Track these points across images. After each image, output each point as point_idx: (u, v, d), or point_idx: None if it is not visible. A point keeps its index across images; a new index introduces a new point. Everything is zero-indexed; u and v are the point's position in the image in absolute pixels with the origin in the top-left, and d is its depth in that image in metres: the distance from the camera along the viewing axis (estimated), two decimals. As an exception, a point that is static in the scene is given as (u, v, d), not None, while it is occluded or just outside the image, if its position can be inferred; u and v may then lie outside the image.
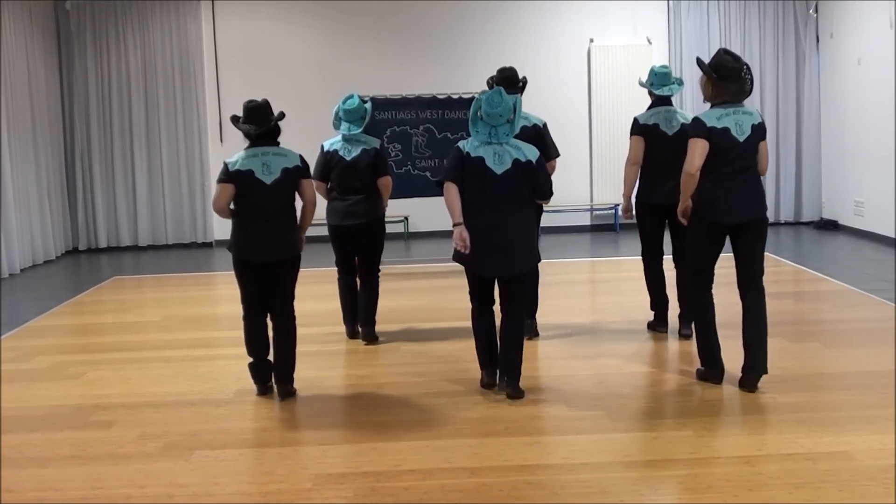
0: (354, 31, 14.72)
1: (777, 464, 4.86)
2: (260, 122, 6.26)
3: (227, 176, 6.20)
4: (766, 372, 6.22)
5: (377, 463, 5.08)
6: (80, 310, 10.02)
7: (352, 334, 8.02)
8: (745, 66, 6.13)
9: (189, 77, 14.65)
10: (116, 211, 14.76)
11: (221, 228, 14.67)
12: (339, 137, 7.81)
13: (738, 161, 6.09)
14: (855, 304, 8.85)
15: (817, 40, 14.89)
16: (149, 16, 14.55)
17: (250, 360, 6.47)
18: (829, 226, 14.44)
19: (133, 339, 8.38)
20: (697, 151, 6.06)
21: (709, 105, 6.27)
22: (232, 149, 14.36)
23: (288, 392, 6.41)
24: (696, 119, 6.18)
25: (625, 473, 4.83)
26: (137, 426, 5.83)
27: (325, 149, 7.83)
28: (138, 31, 14.56)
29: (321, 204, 7.50)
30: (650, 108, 7.66)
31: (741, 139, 6.06)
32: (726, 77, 6.11)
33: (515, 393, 6.17)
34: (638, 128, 7.55)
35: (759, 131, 6.13)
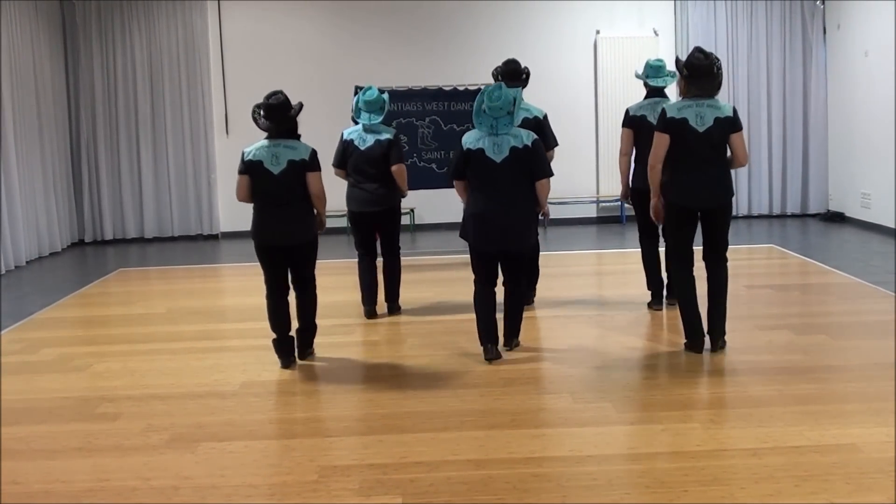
0: (360, 24, 14.70)
1: (783, 456, 4.85)
2: (277, 121, 6.65)
3: (243, 166, 6.72)
4: (724, 334, 6.87)
5: (383, 455, 5.08)
6: (85, 302, 10.03)
7: (370, 314, 8.40)
8: (715, 63, 6.65)
9: (195, 69, 14.64)
10: (122, 203, 14.76)
11: (227, 220, 14.71)
12: (359, 127, 8.17)
13: (699, 150, 6.61)
14: (861, 297, 8.83)
15: (824, 32, 14.84)
16: (154, 8, 14.54)
17: (274, 336, 6.91)
18: (835, 218, 14.39)
19: (139, 331, 8.38)
20: (659, 145, 6.68)
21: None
22: (238, 141, 14.40)
23: (307, 355, 7.09)
24: (663, 111, 6.72)
25: (631, 466, 4.83)
26: (143, 418, 5.83)
27: (344, 137, 8.25)
28: (144, 24, 14.55)
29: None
30: (644, 99, 8.13)
31: (700, 130, 6.57)
32: (695, 74, 6.65)
33: (514, 345, 7.13)
34: (628, 119, 8.06)
35: (725, 124, 6.60)
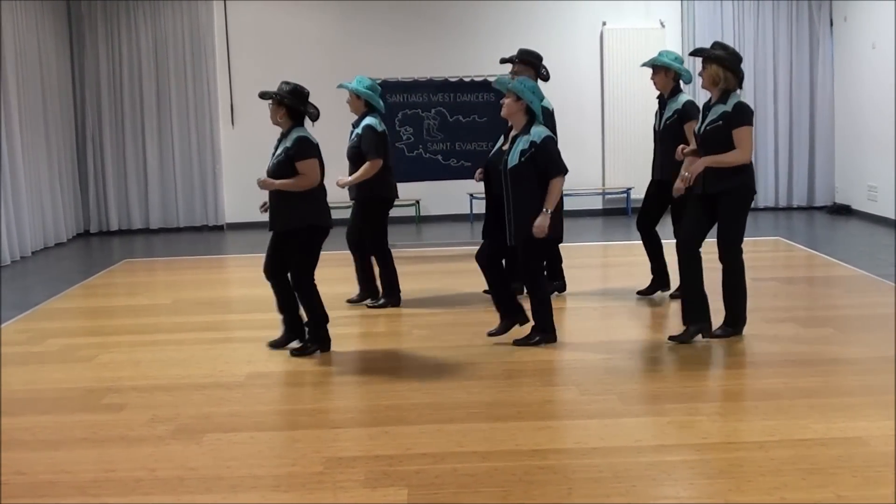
0: (366, 13, 14.68)
1: (790, 449, 4.84)
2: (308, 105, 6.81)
3: (314, 149, 6.72)
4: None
5: (389, 447, 5.07)
6: (91, 293, 10.04)
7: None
8: None
9: (200, 59, 14.63)
10: (128, 193, 14.77)
11: (233, 211, 14.70)
12: (377, 117, 8.20)
13: None
14: (868, 290, 8.81)
15: (831, 24, 14.80)
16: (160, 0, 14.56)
17: (326, 320, 6.98)
18: (842, 210, 14.37)
19: (144, 321, 8.38)
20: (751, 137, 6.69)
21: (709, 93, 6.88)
22: (244, 131, 14.45)
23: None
24: (745, 105, 6.68)
25: (637, 458, 4.81)
26: (149, 409, 5.83)
27: (379, 129, 8.16)
28: (149, 13, 14.54)
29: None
30: (681, 93, 8.06)
31: None
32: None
33: None
34: (697, 113, 7.68)
35: None
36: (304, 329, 7.00)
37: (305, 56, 14.49)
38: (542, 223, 6.65)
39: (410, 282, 9.14)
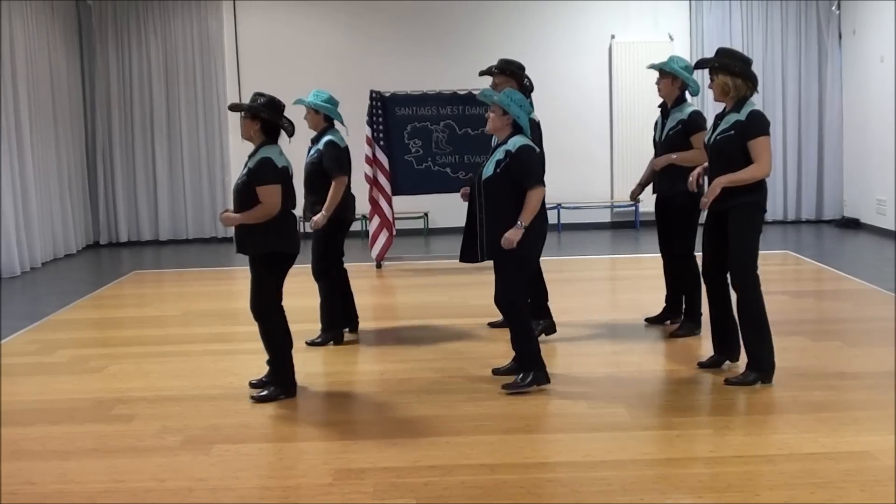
0: (375, 26, 14.74)
1: (798, 463, 4.84)
2: (283, 119, 6.23)
3: (277, 175, 6.07)
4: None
5: (397, 458, 5.08)
6: (100, 304, 10.06)
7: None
8: None
9: (210, 72, 14.70)
10: (137, 205, 14.83)
11: (241, 223, 14.70)
12: (338, 132, 7.62)
13: None
14: (876, 303, 8.79)
15: (839, 37, 14.80)
16: (170, 10, 14.61)
17: (289, 353, 6.33)
18: (850, 224, 14.35)
19: (153, 333, 8.41)
20: (770, 150, 6.00)
21: (722, 104, 6.34)
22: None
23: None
24: (760, 113, 6.10)
25: (645, 471, 4.82)
26: (158, 420, 5.85)
27: (341, 145, 7.55)
28: (160, 26, 14.62)
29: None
30: (686, 103, 7.47)
31: None
32: None
33: None
34: (705, 123, 7.29)
35: None
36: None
37: (315, 68, 14.51)
38: (511, 236, 5.94)
39: (418, 294, 9.15)
